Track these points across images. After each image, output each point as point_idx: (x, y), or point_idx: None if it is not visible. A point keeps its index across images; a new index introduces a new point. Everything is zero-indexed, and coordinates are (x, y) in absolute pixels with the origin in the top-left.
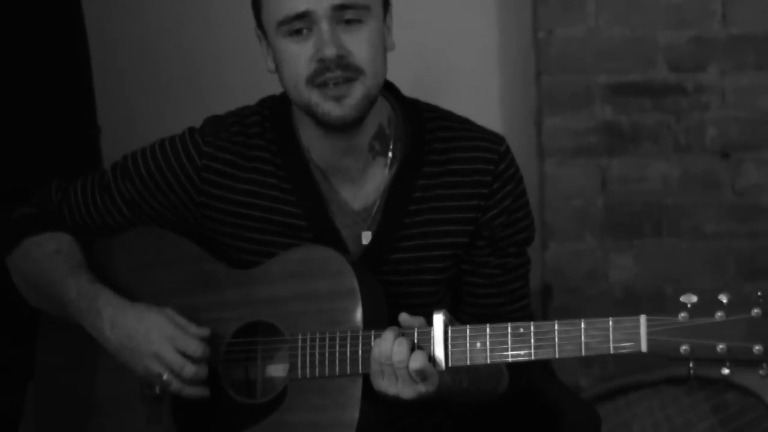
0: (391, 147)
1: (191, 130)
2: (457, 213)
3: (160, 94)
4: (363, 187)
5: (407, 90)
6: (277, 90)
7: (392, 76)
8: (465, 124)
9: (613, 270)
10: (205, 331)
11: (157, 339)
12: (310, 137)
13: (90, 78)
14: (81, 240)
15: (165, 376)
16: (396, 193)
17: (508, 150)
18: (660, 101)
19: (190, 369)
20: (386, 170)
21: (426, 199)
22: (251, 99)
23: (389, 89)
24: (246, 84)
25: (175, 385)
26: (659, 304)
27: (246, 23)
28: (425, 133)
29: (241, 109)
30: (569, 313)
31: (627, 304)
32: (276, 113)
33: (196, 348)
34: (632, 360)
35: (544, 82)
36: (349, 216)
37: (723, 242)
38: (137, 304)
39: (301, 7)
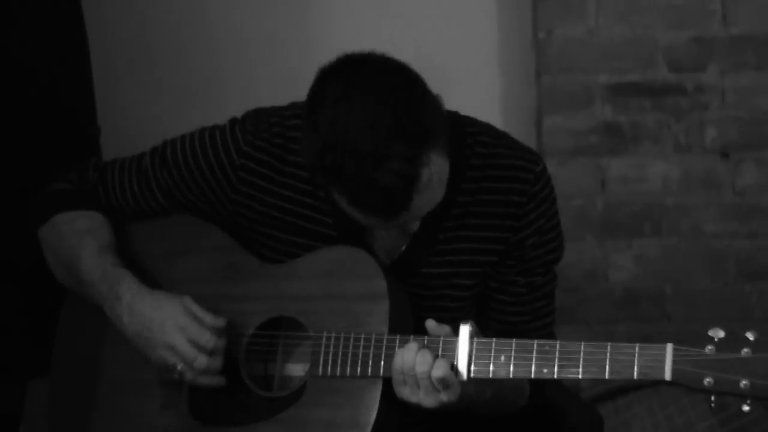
0: None
1: (233, 122)
2: (490, 231)
3: (160, 94)
4: None
5: None
6: (276, 92)
7: None
8: (503, 140)
9: (613, 270)
10: (220, 322)
11: (171, 329)
12: None
13: (90, 78)
14: (114, 221)
15: (179, 367)
16: (436, 208)
17: (544, 170)
18: (660, 101)
19: (202, 361)
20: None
21: (461, 215)
22: (251, 99)
23: None
24: (246, 84)
25: (189, 375)
26: (659, 305)
27: (246, 24)
28: (464, 148)
29: (284, 108)
30: (569, 312)
31: (627, 305)
32: None
33: (208, 340)
34: None
35: (544, 82)
36: (384, 229)
37: (723, 242)
38: (156, 291)
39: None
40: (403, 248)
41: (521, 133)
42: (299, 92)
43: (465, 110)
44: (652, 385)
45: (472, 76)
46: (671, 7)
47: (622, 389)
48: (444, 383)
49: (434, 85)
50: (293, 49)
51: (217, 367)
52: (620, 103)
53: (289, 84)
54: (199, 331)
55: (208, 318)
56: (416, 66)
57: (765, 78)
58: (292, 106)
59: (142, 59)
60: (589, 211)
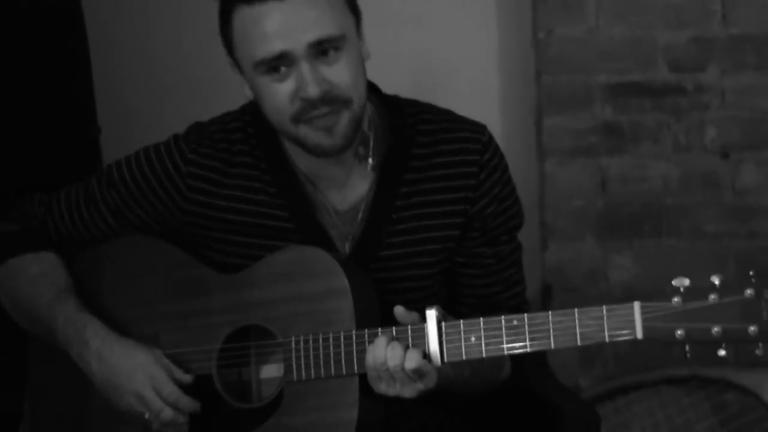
0: (372, 146)
1: (175, 137)
2: (446, 206)
3: (160, 94)
4: (348, 188)
5: (407, 91)
6: None
7: (392, 77)
8: (446, 115)
9: (613, 270)
10: (187, 378)
11: (141, 379)
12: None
13: (90, 78)
14: (66, 255)
15: (147, 416)
16: (382, 191)
17: (491, 139)
18: (660, 101)
19: (167, 413)
20: (370, 169)
21: (413, 194)
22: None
23: (369, 87)
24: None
25: (155, 426)
26: None
27: None
28: (407, 128)
29: (222, 116)
30: None
31: None
32: (258, 119)
33: (170, 393)
34: (632, 360)
35: (544, 82)
36: (336, 216)
37: (723, 242)
38: (124, 339)
39: (277, 48)
40: (359, 232)
41: (521, 133)
42: None
43: (465, 110)
44: (651, 384)
45: (472, 76)
46: (671, 7)
47: (622, 389)
48: (419, 373)
49: (434, 85)
50: None
51: (183, 421)
52: (620, 103)
53: None
54: (164, 383)
55: (176, 373)
56: (416, 65)
57: (765, 78)
58: (229, 113)
59: (142, 59)
60: (589, 211)
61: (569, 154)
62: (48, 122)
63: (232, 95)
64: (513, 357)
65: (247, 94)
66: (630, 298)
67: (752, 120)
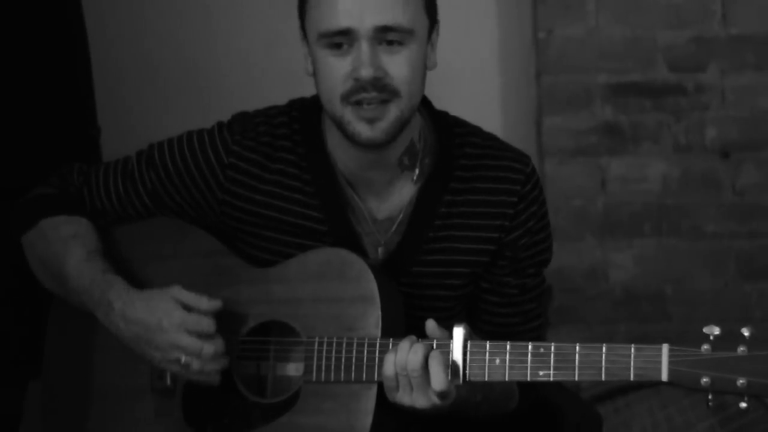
0: (419, 161)
1: (220, 125)
2: (481, 231)
3: (160, 94)
4: (388, 198)
5: None
6: (276, 92)
7: None
8: (492, 141)
9: (613, 270)
10: (216, 303)
11: (170, 327)
12: (337, 145)
13: (90, 78)
14: (98, 225)
15: (183, 359)
16: (422, 206)
17: (534, 171)
18: (660, 101)
19: (209, 348)
20: (413, 183)
21: (451, 215)
22: (251, 99)
23: (421, 101)
24: (246, 84)
25: (195, 364)
26: (659, 305)
27: (246, 24)
28: (453, 149)
29: (268, 108)
30: (569, 312)
31: (627, 304)
32: (305, 116)
33: (209, 326)
34: None
35: (544, 82)
36: (372, 225)
37: (723, 242)
38: (145, 292)
39: (343, 24)
40: (394, 244)
41: (521, 133)
42: (299, 92)
43: (465, 110)
44: (651, 385)
45: (472, 76)
46: (671, 7)
47: (621, 389)
48: (443, 394)
49: (434, 84)
50: (293, 49)
51: (223, 348)
52: (620, 103)
53: (289, 84)
54: (197, 321)
55: (204, 303)
56: None
57: (765, 78)
58: (275, 107)
59: (142, 60)
60: (589, 211)
61: (569, 154)
62: (48, 122)
63: (232, 95)
64: (523, 388)
65: (308, 70)
66: (630, 298)
67: (752, 120)
